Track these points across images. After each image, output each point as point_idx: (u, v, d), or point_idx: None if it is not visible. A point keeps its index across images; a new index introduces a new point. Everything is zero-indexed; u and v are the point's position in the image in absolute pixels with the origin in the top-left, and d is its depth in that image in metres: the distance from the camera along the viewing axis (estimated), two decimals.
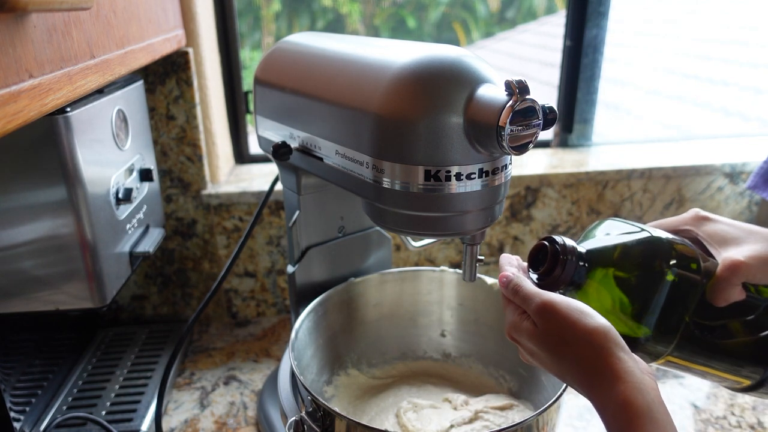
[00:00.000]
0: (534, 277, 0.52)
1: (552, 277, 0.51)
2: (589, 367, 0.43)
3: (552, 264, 0.51)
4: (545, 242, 0.52)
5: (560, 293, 0.51)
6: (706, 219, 0.55)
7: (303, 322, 0.68)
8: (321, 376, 0.74)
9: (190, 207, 0.96)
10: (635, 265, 0.50)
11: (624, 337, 0.49)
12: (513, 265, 0.54)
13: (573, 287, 0.52)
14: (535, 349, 0.47)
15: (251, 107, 1.05)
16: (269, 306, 1.05)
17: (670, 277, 0.49)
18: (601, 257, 0.51)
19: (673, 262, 0.49)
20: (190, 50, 0.88)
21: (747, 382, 0.56)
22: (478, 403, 0.71)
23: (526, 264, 0.55)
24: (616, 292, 0.51)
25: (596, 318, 0.44)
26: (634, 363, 0.42)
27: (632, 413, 0.39)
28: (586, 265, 0.51)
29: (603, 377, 0.42)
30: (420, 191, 0.49)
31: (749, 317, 0.53)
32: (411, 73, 0.48)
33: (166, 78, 0.88)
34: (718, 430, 0.76)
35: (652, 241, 0.51)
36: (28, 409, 0.74)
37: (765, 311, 0.53)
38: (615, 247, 0.51)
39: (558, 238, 0.51)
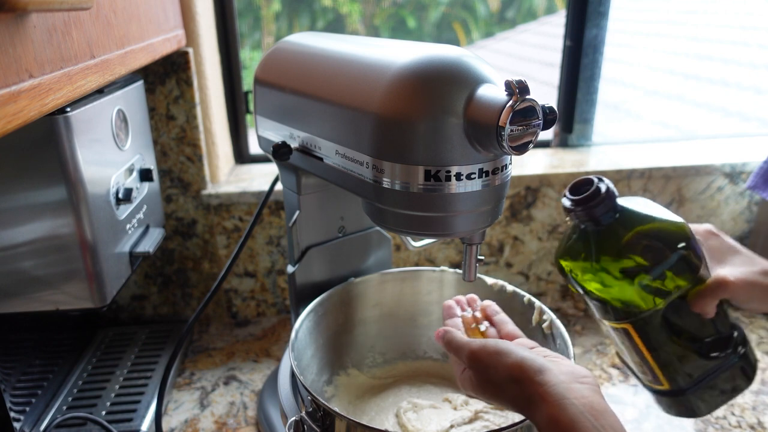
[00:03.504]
0: (569, 199, 0.59)
1: (587, 205, 0.58)
2: (520, 399, 0.47)
3: (592, 196, 0.58)
4: (594, 178, 0.59)
5: (582, 222, 0.60)
6: (715, 235, 0.63)
7: (303, 322, 0.68)
8: (321, 376, 0.74)
9: (190, 207, 0.96)
10: (655, 233, 0.59)
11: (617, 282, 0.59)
12: (452, 317, 0.64)
13: (593, 224, 0.59)
14: (481, 397, 0.52)
15: (251, 107, 1.05)
16: (269, 306, 1.05)
17: (677, 254, 0.58)
18: (631, 215, 0.60)
19: (682, 245, 0.58)
20: (190, 50, 0.88)
21: (667, 386, 0.65)
22: (478, 403, 0.71)
23: (466, 298, 0.67)
24: (629, 246, 0.59)
25: (511, 355, 0.49)
26: (555, 381, 0.46)
27: (560, 429, 0.43)
28: (617, 216, 0.59)
29: (532, 403, 0.46)
30: (420, 191, 0.49)
31: (706, 337, 0.63)
32: (411, 73, 0.48)
33: (166, 78, 0.88)
34: (718, 430, 0.76)
35: (677, 224, 0.59)
36: (28, 409, 0.74)
37: (717, 340, 0.63)
38: (647, 214, 0.60)
39: (607, 180, 0.58)
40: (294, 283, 0.73)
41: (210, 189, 0.96)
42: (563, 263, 0.65)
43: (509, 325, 0.64)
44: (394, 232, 0.58)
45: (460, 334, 0.57)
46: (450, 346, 0.56)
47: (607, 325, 0.65)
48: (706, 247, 0.63)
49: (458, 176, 0.48)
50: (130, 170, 0.70)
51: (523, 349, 0.50)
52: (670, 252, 0.59)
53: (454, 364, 0.57)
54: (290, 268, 0.74)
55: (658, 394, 0.69)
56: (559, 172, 1.01)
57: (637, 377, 0.70)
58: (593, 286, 0.61)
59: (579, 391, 0.45)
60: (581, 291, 0.62)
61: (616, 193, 0.58)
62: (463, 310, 0.68)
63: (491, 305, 0.67)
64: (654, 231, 0.60)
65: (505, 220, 1.04)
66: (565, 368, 0.48)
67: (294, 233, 0.72)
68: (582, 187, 0.59)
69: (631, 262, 0.60)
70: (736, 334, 0.65)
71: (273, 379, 0.84)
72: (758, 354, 0.90)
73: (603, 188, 0.57)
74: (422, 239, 0.79)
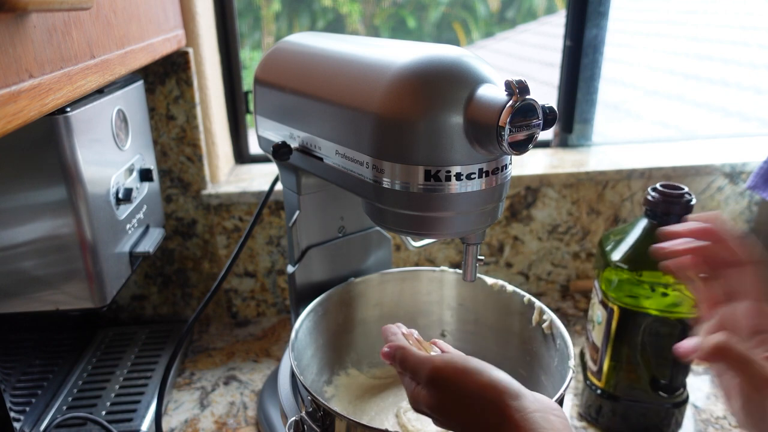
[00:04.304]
0: (659, 191, 0.69)
1: (672, 199, 0.68)
2: (488, 423, 0.43)
3: (679, 195, 0.68)
4: (685, 187, 0.70)
5: (654, 213, 0.69)
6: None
7: (303, 322, 0.68)
8: (321, 376, 0.74)
9: (190, 207, 0.96)
10: None
11: None
12: (396, 333, 0.56)
13: (661, 218, 0.69)
14: (437, 416, 0.47)
15: (251, 107, 1.05)
16: (269, 306, 1.05)
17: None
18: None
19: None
20: (190, 50, 0.88)
21: (603, 385, 0.75)
22: None
23: (405, 331, 0.58)
24: None
25: (483, 374, 0.45)
26: (532, 408, 0.42)
27: None
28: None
29: (501, 428, 0.42)
30: (420, 191, 0.49)
31: (661, 377, 0.71)
32: (411, 73, 0.48)
33: (166, 78, 0.88)
34: (718, 430, 0.76)
35: None
36: (28, 409, 0.74)
37: (668, 384, 0.71)
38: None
39: (693, 195, 0.69)
40: (294, 283, 0.73)
41: (210, 189, 0.96)
42: (605, 238, 0.75)
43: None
44: (394, 232, 0.58)
45: (415, 350, 0.51)
46: (405, 364, 0.49)
47: (601, 300, 0.73)
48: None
49: (458, 176, 0.48)
50: (130, 170, 0.70)
51: (495, 369, 0.46)
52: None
53: (403, 379, 0.50)
54: (290, 268, 0.74)
55: (591, 390, 0.77)
56: (559, 172, 1.01)
57: (584, 368, 0.79)
58: (622, 257, 0.70)
59: (553, 423, 0.41)
60: (608, 261, 0.72)
61: (692, 212, 0.68)
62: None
63: (438, 341, 0.60)
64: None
65: (505, 220, 1.04)
66: (538, 396, 0.45)
67: (294, 233, 0.72)
68: (676, 189, 0.70)
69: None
70: (684, 393, 0.75)
71: (273, 379, 0.84)
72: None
73: (688, 198, 0.68)
74: (422, 239, 0.79)
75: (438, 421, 0.47)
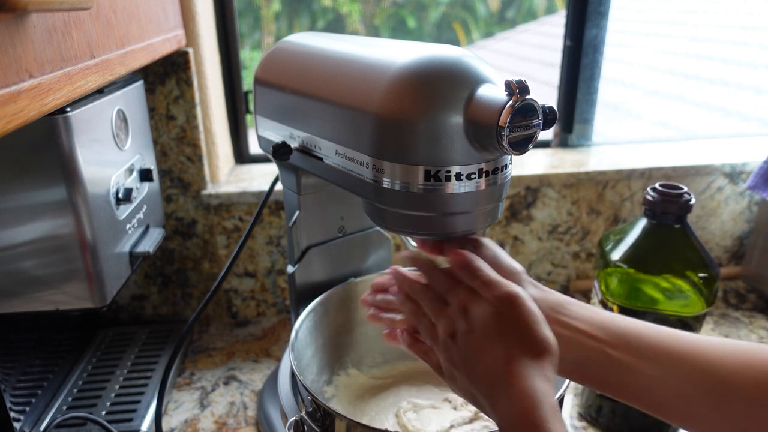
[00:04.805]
0: (658, 191, 0.69)
1: (670, 199, 0.68)
2: (512, 368, 0.42)
3: (678, 195, 0.68)
4: (684, 187, 0.70)
5: (653, 213, 0.69)
6: None
7: (303, 322, 0.68)
8: (321, 376, 0.74)
9: (190, 207, 0.96)
10: (693, 254, 0.69)
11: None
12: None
13: (659, 218, 0.69)
14: (475, 330, 0.45)
15: (251, 107, 1.05)
16: (269, 306, 1.05)
17: (691, 281, 0.69)
18: (688, 233, 0.70)
19: (704, 275, 0.68)
20: (190, 50, 0.88)
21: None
22: None
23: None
24: (668, 249, 0.70)
25: (549, 331, 0.44)
26: (552, 390, 0.42)
27: (535, 416, 0.40)
28: (678, 226, 0.69)
29: (520, 381, 0.41)
30: (420, 191, 0.49)
31: None
32: (411, 73, 0.48)
33: (166, 78, 0.88)
34: None
35: (713, 263, 0.70)
36: (28, 409, 0.74)
37: None
38: (698, 240, 0.70)
39: (693, 195, 0.69)
40: (294, 283, 0.73)
41: (210, 189, 0.96)
42: (605, 238, 0.75)
43: None
44: (394, 232, 0.58)
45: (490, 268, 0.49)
46: (481, 273, 0.47)
47: (601, 300, 0.73)
48: None
49: (458, 176, 0.48)
50: (130, 170, 0.70)
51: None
52: (694, 274, 0.68)
53: (447, 288, 0.49)
54: (290, 268, 0.74)
55: (591, 390, 0.76)
56: (559, 172, 1.01)
57: None
58: (622, 257, 0.71)
59: (558, 413, 0.41)
60: (608, 260, 0.72)
61: (691, 211, 0.69)
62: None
63: None
64: (692, 253, 0.69)
65: (505, 220, 1.04)
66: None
67: (294, 233, 0.72)
68: (675, 188, 0.70)
69: (661, 262, 0.69)
70: None
71: (273, 379, 0.84)
72: None
73: (687, 197, 0.68)
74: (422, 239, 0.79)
75: (468, 337, 0.45)
